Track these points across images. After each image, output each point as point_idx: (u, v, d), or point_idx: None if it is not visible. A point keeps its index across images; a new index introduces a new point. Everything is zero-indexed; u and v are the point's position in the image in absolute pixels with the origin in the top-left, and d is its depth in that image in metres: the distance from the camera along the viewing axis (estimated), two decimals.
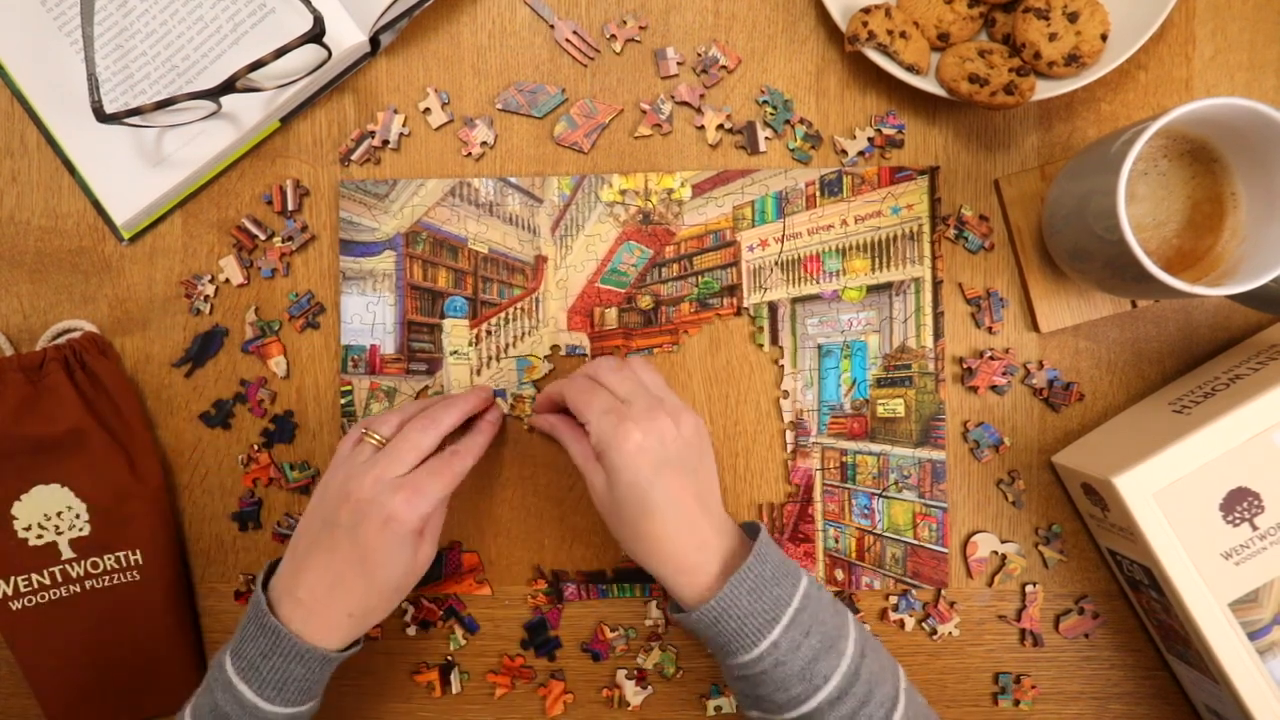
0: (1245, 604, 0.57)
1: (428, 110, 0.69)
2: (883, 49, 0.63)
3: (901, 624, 0.68)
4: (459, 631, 0.69)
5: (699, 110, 0.68)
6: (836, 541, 0.68)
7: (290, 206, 0.69)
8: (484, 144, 0.68)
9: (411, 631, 0.69)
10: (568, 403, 0.60)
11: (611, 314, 0.69)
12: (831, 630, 0.56)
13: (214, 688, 0.56)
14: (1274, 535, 0.56)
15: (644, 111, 0.68)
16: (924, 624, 0.68)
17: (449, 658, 0.69)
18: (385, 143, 0.68)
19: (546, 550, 0.69)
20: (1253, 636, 0.57)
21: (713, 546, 0.57)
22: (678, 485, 0.56)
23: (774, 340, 0.68)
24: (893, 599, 0.68)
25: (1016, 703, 0.68)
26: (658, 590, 0.69)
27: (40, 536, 0.66)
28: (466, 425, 0.64)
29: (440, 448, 0.61)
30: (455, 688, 0.69)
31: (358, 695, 0.70)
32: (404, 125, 0.68)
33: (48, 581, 0.67)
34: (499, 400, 0.68)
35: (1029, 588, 0.68)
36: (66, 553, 0.67)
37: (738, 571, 0.55)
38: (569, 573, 0.69)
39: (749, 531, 0.60)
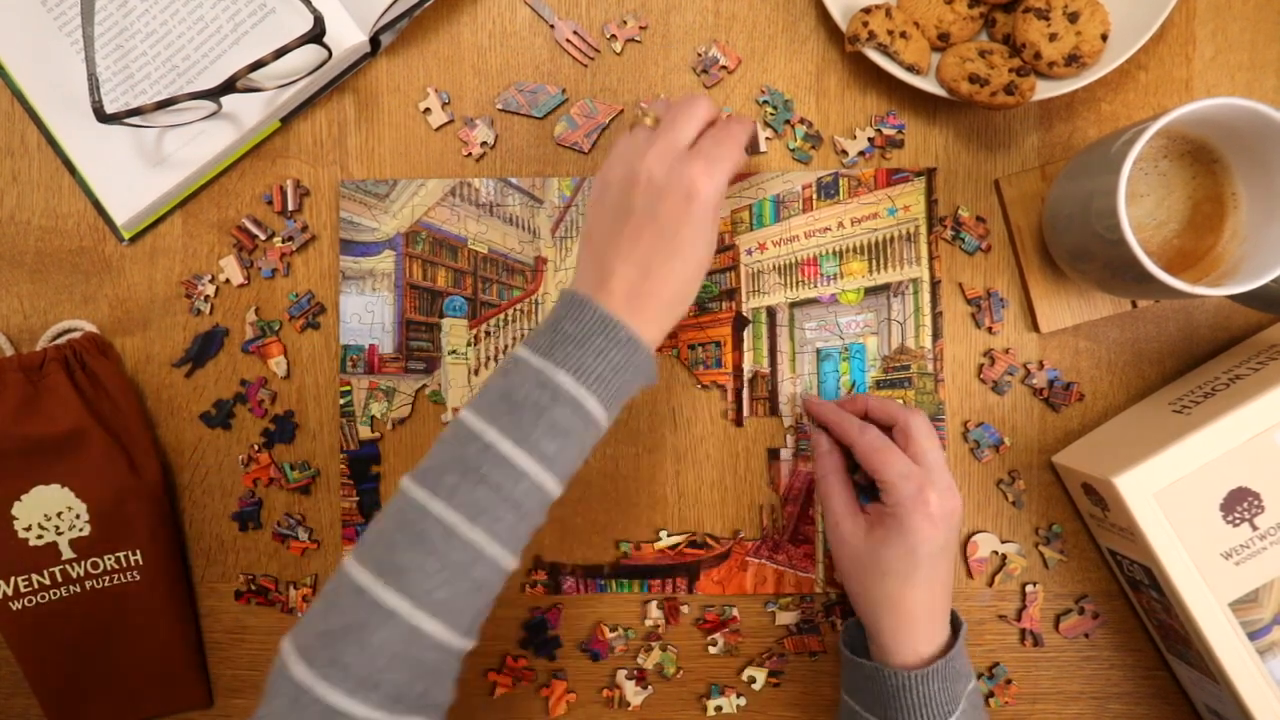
0: (1245, 604, 0.57)
1: (428, 110, 0.69)
2: (883, 49, 0.63)
3: None
4: None
5: None
6: None
7: (290, 206, 0.69)
8: (484, 144, 0.68)
9: None
10: (857, 451, 0.60)
11: None
12: None
13: (541, 388, 0.50)
14: (1274, 535, 0.56)
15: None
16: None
17: None
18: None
19: (546, 550, 0.69)
20: (1253, 636, 0.57)
21: (940, 622, 0.59)
22: (944, 569, 0.58)
23: (771, 346, 0.68)
24: None
25: (990, 695, 0.68)
26: (657, 588, 0.69)
27: (40, 537, 0.66)
28: None
29: None
30: None
31: None
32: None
33: (48, 582, 0.67)
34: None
35: (1029, 588, 0.68)
36: (66, 553, 0.67)
37: (945, 658, 0.57)
38: (567, 565, 0.69)
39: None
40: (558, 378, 0.50)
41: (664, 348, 0.68)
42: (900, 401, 0.67)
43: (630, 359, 0.51)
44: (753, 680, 0.68)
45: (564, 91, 0.68)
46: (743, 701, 0.69)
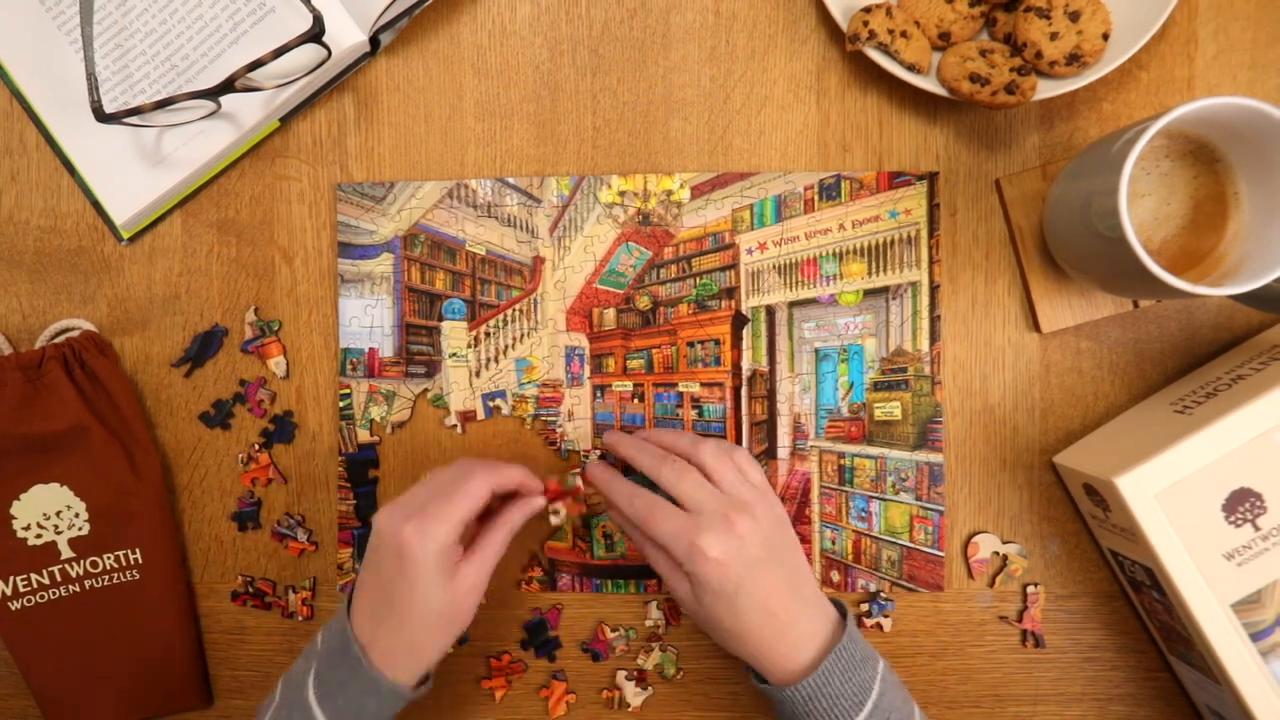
0: (1248, 605, 0.57)
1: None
2: (883, 48, 0.63)
3: (880, 626, 0.68)
4: None
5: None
6: (833, 543, 0.68)
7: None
8: None
9: None
10: (635, 516, 0.58)
11: (610, 314, 0.69)
12: (904, 717, 0.57)
13: (292, 710, 0.56)
14: (1276, 536, 0.56)
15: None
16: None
17: None
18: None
19: (545, 548, 0.69)
20: (1255, 638, 0.57)
21: (803, 624, 0.57)
22: (767, 582, 0.56)
23: (770, 345, 0.68)
24: (864, 605, 0.68)
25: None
26: (654, 588, 0.68)
27: (39, 536, 0.66)
28: None
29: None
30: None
31: None
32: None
33: (47, 581, 0.67)
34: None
35: (1030, 589, 0.67)
36: (66, 552, 0.67)
37: (833, 651, 0.55)
38: (564, 562, 0.69)
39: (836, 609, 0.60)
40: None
41: (664, 343, 0.68)
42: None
43: (375, 698, 0.55)
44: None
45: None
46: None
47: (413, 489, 0.58)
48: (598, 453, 0.68)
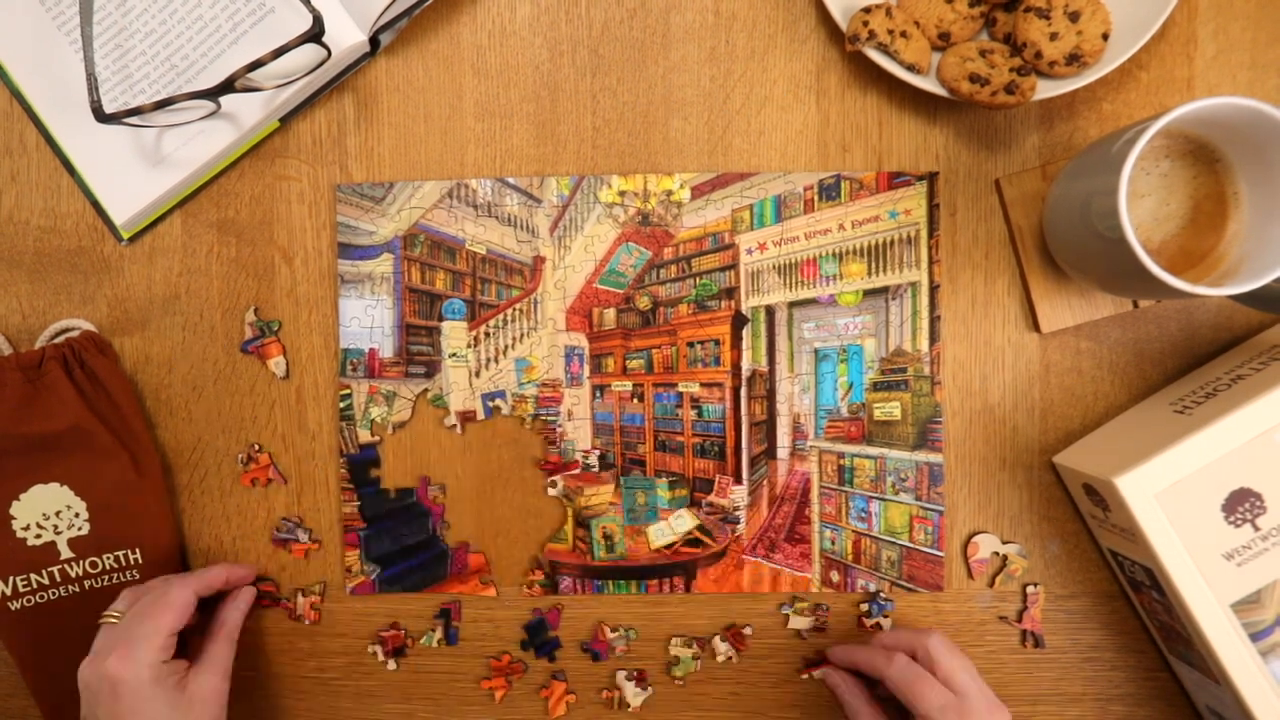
0: (1247, 605, 0.57)
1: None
2: (883, 48, 0.63)
3: (879, 626, 0.68)
4: (438, 632, 0.69)
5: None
6: (833, 544, 0.68)
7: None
8: None
9: (392, 666, 0.69)
10: (889, 682, 0.58)
11: (610, 314, 0.69)
12: None
13: None
14: (1276, 536, 0.56)
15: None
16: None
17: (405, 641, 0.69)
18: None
19: (545, 550, 0.69)
20: (1255, 638, 0.57)
21: None
22: None
23: (770, 345, 0.68)
24: (864, 605, 0.68)
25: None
26: (654, 588, 0.68)
27: (39, 536, 0.66)
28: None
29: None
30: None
31: (350, 696, 0.70)
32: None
33: (46, 581, 0.67)
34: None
35: (1030, 589, 0.67)
36: (65, 552, 0.67)
37: None
38: (564, 564, 0.69)
39: None
40: None
41: (664, 344, 0.68)
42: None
43: None
44: None
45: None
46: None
47: (102, 634, 0.58)
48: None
